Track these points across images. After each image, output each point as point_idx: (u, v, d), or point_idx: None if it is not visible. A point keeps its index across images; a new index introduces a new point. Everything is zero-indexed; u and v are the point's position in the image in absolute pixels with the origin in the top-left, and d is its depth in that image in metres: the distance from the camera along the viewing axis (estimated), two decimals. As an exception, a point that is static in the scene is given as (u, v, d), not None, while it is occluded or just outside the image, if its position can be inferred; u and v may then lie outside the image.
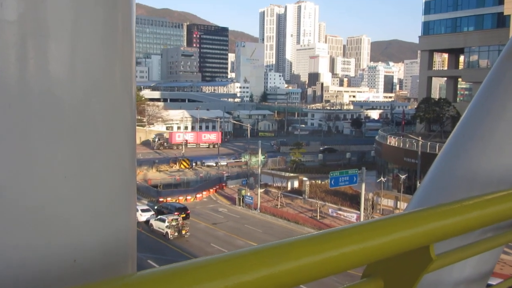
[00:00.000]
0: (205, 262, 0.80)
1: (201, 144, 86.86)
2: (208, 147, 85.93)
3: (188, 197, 51.07)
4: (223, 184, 56.49)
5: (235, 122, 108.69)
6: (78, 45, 0.88)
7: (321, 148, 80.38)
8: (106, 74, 0.94)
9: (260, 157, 53.18)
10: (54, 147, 0.87)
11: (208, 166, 67.80)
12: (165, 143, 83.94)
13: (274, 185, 52.26)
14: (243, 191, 48.78)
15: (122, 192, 1.00)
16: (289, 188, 51.84)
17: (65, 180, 0.88)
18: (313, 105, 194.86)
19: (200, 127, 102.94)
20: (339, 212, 42.28)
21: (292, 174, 55.73)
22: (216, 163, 67.34)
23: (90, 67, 0.90)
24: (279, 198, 46.91)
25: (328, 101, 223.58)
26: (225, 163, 68.23)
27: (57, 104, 0.86)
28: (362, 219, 36.87)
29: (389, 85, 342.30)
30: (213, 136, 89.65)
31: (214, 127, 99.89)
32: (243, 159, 66.94)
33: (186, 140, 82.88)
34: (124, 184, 1.00)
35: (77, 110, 0.89)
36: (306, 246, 0.91)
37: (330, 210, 42.83)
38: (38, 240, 0.86)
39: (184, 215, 40.10)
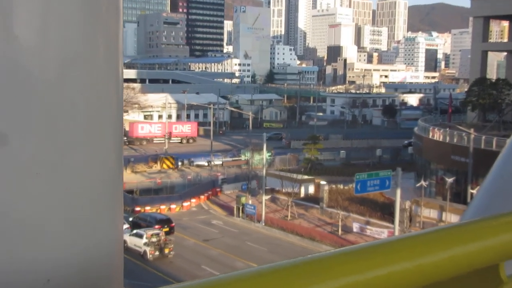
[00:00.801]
0: (213, 283, 0.79)
1: (172, 138, 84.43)
2: (181, 142, 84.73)
3: (173, 206, 51.13)
4: (218, 189, 56.58)
5: (232, 109, 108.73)
6: (52, 6, 0.88)
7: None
8: (87, 43, 0.93)
9: (265, 155, 53.07)
10: (23, 135, 0.86)
11: (198, 166, 67.89)
12: (125, 137, 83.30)
13: (283, 190, 52.24)
14: (243, 199, 48.78)
15: (106, 194, 0.98)
16: (302, 195, 51.86)
17: (36, 178, 0.87)
18: (333, 88, 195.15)
19: (188, 116, 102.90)
20: (367, 227, 42.08)
21: (306, 177, 55.75)
22: (209, 162, 67.39)
23: (67, 34, 0.90)
24: (290, 207, 46.88)
25: (352, 82, 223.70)
26: (220, 162, 68.38)
27: (27, 79, 0.86)
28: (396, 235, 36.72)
29: (431, 62, 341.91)
30: (186, 128, 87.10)
31: (205, 116, 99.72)
32: (243, 157, 67.00)
33: (170, 133, 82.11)
34: (109, 185, 0.99)
35: (51, 87, 0.88)
36: (344, 263, 0.90)
37: (354, 225, 42.68)
38: (2, 255, 0.85)
39: (167, 229, 40.12)
